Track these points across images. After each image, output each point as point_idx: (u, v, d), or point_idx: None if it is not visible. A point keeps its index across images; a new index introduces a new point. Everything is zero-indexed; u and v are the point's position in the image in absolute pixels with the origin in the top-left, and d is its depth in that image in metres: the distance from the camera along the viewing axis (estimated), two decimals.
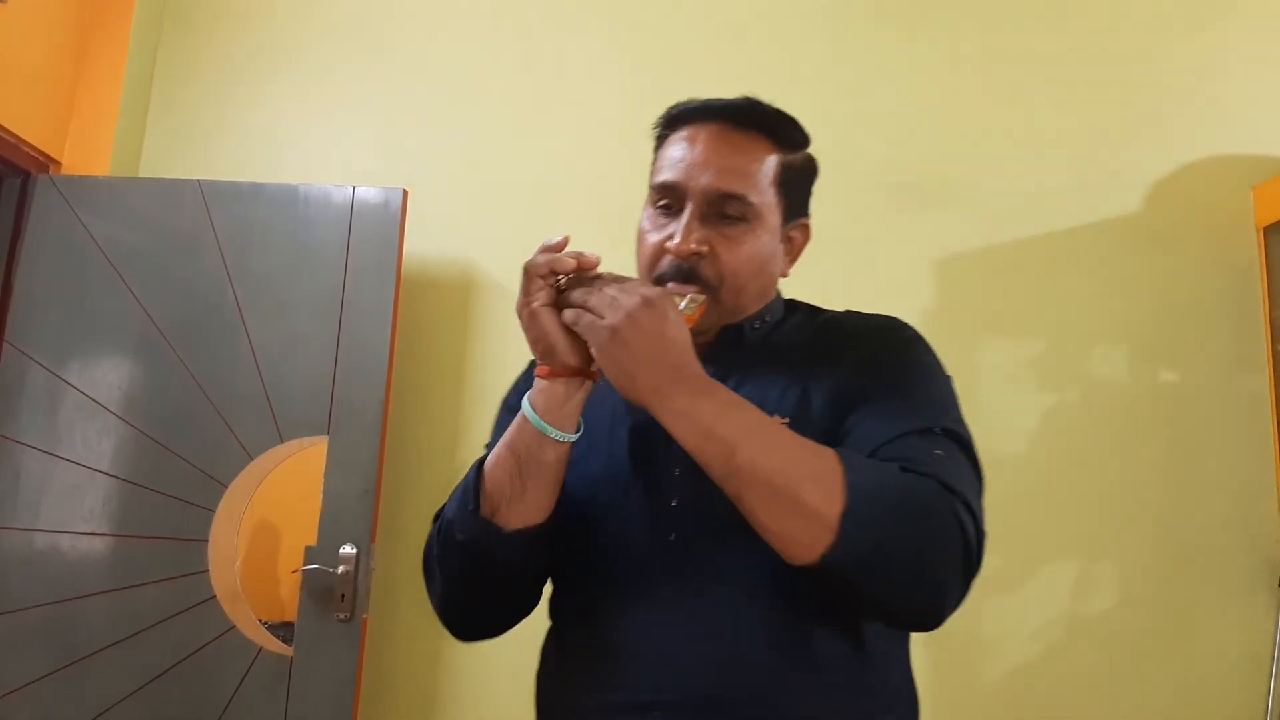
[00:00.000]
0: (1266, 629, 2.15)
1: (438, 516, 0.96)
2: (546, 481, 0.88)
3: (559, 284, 0.88)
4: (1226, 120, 2.38)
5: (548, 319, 0.87)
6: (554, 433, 0.87)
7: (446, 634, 2.35)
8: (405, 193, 2.20)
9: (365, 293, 2.15)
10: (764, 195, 0.96)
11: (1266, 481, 2.21)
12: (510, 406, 1.03)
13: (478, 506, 0.87)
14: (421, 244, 2.33)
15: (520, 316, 0.89)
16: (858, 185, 2.38)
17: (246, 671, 2.02)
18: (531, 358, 1.06)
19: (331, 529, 2.05)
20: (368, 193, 2.19)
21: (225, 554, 2.10)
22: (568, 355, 0.87)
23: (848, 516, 0.77)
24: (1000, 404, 2.29)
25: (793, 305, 1.07)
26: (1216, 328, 2.29)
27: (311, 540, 2.06)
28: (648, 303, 0.83)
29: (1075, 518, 2.23)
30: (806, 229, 1.05)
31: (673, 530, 0.91)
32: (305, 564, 2.04)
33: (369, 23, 2.54)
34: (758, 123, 0.98)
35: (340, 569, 2.02)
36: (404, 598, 2.24)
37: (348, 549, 2.03)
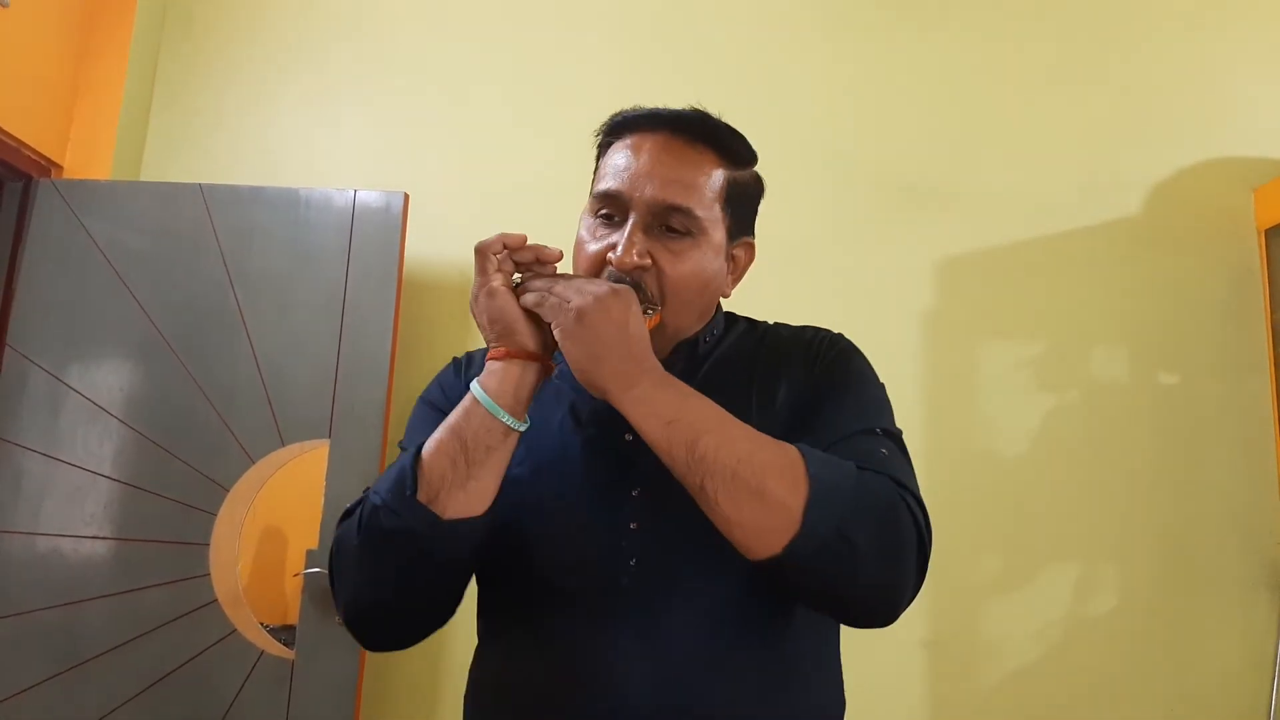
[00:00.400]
0: (1268, 630, 2.15)
1: (349, 512, 0.90)
2: (490, 471, 0.85)
3: (517, 278, 0.89)
4: (1227, 122, 2.38)
5: (506, 298, 0.87)
6: (505, 417, 0.84)
7: (448, 637, 2.33)
8: (406, 196, 2.20)
9: (366, 296, 2.15)
10: (710, 210, 0.93)
11: (1268, 483, 2.21)
12: (431, 403, 1.01)
13: (415, 491, 0.83)
14: (422, 247, 2.33)
15: (475, 300, 0.89)
16: (858, 187, 2.39)
17: (248, 675, 2.02)
18: (455, 355, 1.07)
19: (333, 533, 2.05)
20: (369, 196, 2.20)
21: (226, 557, 2.10)
22: (526, 337, 0.87)
23: (811, 507, 0.77)
24: (1001, 406, 2.29)
25: (732, 318, 1.06)
26: (1217, 330, 2.29)
27: (313, 544, 2.06)
28: (615, 293, 0.84)
29: (1076, 520, 2.23)
30: (751, 248, 1.03)
31: (633, 555, 0.90)
32: (306, 567, 2.04)
33: (370, 26, 2.54)
34: (706, 136, 0.95)
35: None
36: None
37: None
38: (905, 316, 2.33)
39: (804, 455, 0.81)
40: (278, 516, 2.68)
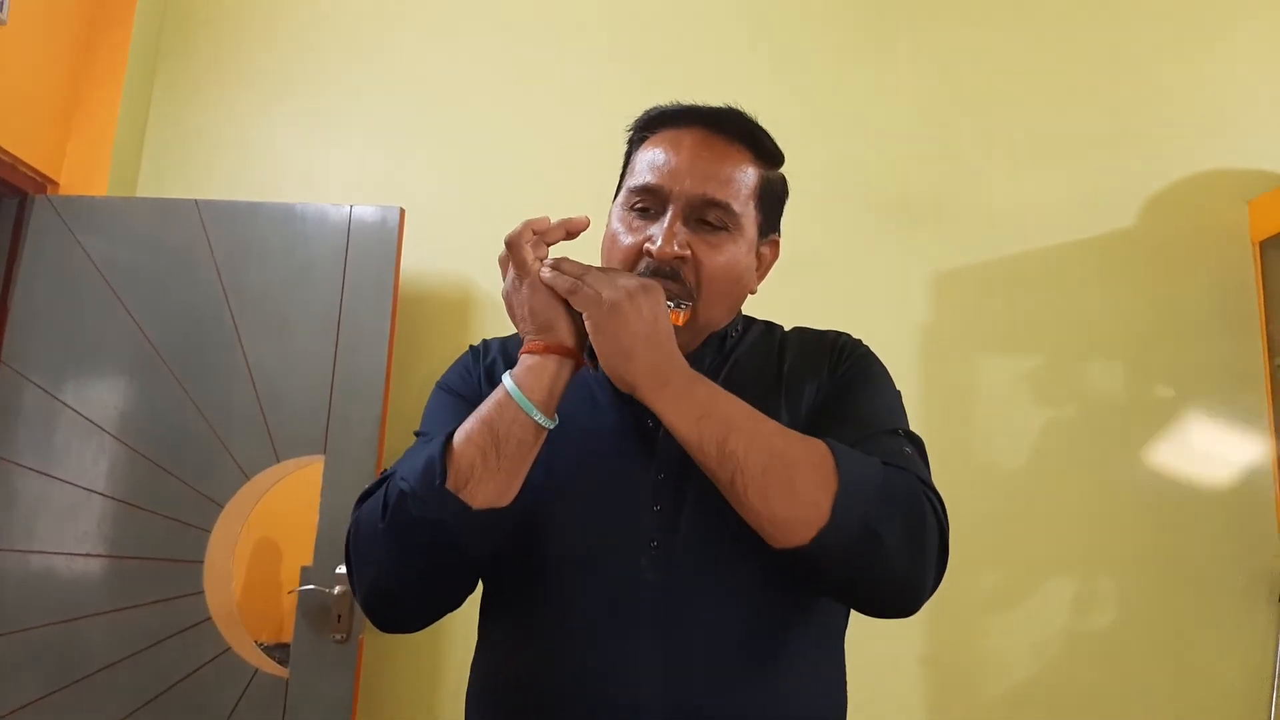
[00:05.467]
0: (1267, 644, 2.14)
1: (368, 494, 0.90)
2: (521, 463, 0.85)
3: (548, 262, 0.88)
4: (1222, 135, 2.39)
5: (549, 292, 0.86)
6: (537, 415, 0.84)
7: (443, 654, 2.32)
8: (402, 211, 2.20)
9: (362, 311, 2.15)
10: (745, 206, 0.96)
11: (1265, 495, 2.20)
12: (449, 389, 1.02)
13: (444, 480, 0.83)
14: (418, 262, 2.33)
15: (512, 292, 0.88)
16: (854, 201, 2.39)
17: (242, 693, 2.00)
18: (472, 344, 1.07)
19: (328, 549, 2.04)
20: (365, 211, 2.20)
21: (221, 575, 2.09)
22: (566, 333, 0.86)
23: (840, 502, 0.79)
24: (997, 419, 2.29)
25: (749, 319, 1.08)
26: (1213, 342, 2.29)
27: (307, 560, 2.05)
28: (646, 287, 0.85)
29: (1073, 533, 2.23)
30: (776, 246, 1.05)
31: (654, 537, 0.90)
32: (301, 584, 2.03)
33: (366, 42, 2.55)
34: (742, 134, 0.97)
35: (336, 589, 2.01)
36: None
37: (344, 569, 2.02)
38: (901, 331, 2.33)
39: (832, 450, 0.82)
40: (273, 533, 2.67)
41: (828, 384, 0.98)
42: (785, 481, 0.80)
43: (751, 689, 0.87)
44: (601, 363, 0.85)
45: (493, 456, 0.83)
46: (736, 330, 1.03)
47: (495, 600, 0.99)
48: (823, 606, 0.94)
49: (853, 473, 0.81)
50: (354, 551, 0.90)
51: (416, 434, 0.99)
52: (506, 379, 0.86)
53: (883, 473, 0.83)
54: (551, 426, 0.86)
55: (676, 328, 0.90)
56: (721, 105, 0.98)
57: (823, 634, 0.96)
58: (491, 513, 0.84)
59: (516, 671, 0.94)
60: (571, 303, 0.85)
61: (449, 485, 0.82)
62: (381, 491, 0.87)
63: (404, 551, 0.85)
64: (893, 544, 0.80)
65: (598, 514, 0.92)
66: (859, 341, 1.04)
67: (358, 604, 0.90)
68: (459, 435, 0.85)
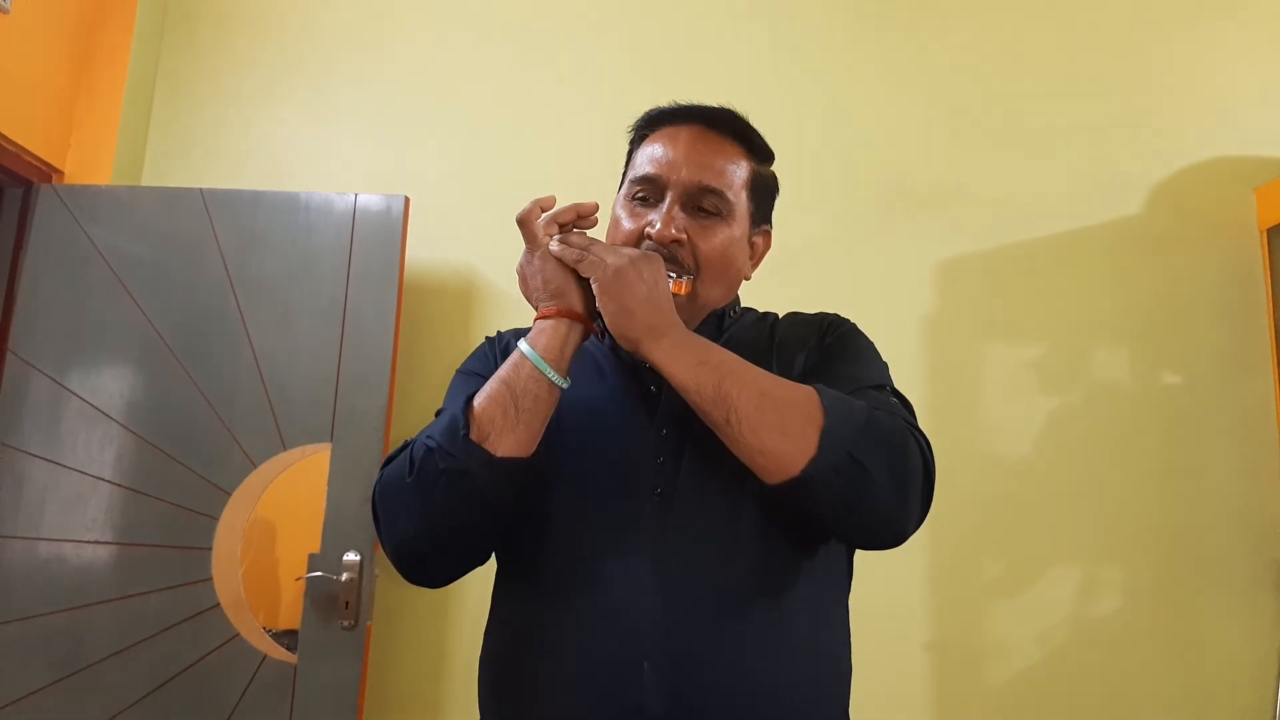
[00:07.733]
0: (1274, 630, 2.15)
1: (392, 458, 0.95)
2: (538, 418, 0.91)
3: (556, 237, 0.96)
4: (1228, 121, 2.38)
5: (560, 262, 0.95)
6: (550, 373, 0.91)
7: (450, 641, 2.32)
8: (407, 200, 2.20)
9: (367, 299, 2.15)
10: (738, 196, 1.03)
11: (1272, 482, 2.21)
12: (471, 371, 1.07)
13: (468, 432, 0.89)
14: (423, 250, 2.33)
15: (525, 265, 0.97)
16: (858, 189, 2.39)
17: (250, 680, 2.02)
18: (490, 334, 1.14)
19: (335, 536, 2.05)
20: (370, 200, 2.20)
21: (228, 562, 2.10)
22: (575, 299, 0.94)
23: (826, 434, 0.85)
24: (1003, 407, 2.29)
25: (747, 309, 1.14)
26: (1219, 330, 2.28)
27: (315, 548, 2.06)
28: (647, 256, 0.94)
29: (1079, 521, 2.23)
30: (768, 236, 1.12)
31: (659, 486, 0.95)
32: (309, 571, 2.04)
33: (371, 30, 2.54)
34: (735, 131, 1.05)
35: (344, 576, 2.02)
36: (408, 605, 2.24)
37: (351, 556, 2.03)
38: (907, 319, 2.33)
39: (819, 392, 0.89)
40: (280, 520, 2.67)
41: (815, 352, 1.04)
42: (776, 418, 0.86)
43: (748, 632, 0.91)
44: (606, 321, 0.91)
45: (512, 411, 0.90)
46: (735, 312, 1.10)
47: (506, 561, 1.03)
48: (821, 558, 0.98)
49: (838, 409, 0.87)
50: (381, 507, 0.94)
51: (437, 413, 1.03)
52: (522, 342, 0.93)
53: (866, 411, 0.88)
54: (564, 385, 0.93)
55: (679, 301, 0.97)
56: (716, 105, 1.05)
57: (823, 586, 0.99)
58: (514, 461, 0.90)
59: (525, 630, 0.97)
60: (579, 270, 0.93)
61: (472, 436, 0.89)
62: (407, 452, 0.93)
63: (431, 503, 0.90)
64: (878, 473, 0.85)
65: (606, 466, 0.97)
66: (845, 319, 1.10)
67: (387, 557, 0.95)
68: (479, 395, 0.91)
